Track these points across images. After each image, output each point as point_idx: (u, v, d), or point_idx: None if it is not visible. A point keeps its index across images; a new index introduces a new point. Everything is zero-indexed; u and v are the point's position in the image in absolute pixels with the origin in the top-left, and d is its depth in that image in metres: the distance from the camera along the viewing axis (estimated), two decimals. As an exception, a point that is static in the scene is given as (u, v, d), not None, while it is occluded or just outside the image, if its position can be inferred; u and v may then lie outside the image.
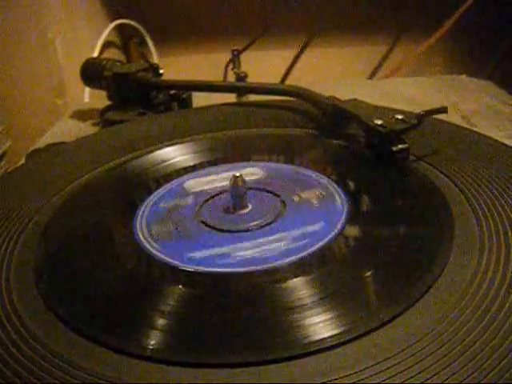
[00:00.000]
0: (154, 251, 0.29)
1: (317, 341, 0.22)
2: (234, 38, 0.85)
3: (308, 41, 0.93)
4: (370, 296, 0.25)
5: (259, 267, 0.27)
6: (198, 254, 0.29)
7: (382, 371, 0.20)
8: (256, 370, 0.21)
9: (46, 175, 0.39)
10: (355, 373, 0.20)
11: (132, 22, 0.90)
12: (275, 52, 0.95)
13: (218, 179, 0.37)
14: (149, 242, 0.30)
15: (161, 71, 0.57)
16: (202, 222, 0.32)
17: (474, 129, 0.44)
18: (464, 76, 0.64)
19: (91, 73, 0.59)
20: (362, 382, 0.20)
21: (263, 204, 0.33)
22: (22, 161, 0.47)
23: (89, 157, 0.41)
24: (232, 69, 0.65)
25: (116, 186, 0.38)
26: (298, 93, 0.48)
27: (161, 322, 0.24)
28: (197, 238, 0.30)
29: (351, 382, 0.20)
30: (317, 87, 0.48)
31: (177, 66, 0.90)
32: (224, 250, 0.29)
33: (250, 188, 0.34)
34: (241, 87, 0.56)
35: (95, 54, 0.81)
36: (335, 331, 0.22)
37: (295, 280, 0.25)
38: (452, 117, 0.48)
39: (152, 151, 0.41)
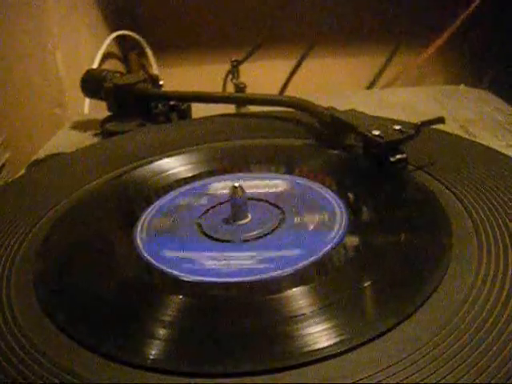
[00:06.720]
0: (154, 261, 0.29)
1: (315, 350, 0.22)
2: (233, 49, 0.86)
3: (307, 51, 0.93)
4: (369, 306, 0.25)
5: (258, 277, 0.27)
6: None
7: (380, 381, 0.20)
8: (254, 379, 0.21)
9: (46, 186, 0.39)
10: (354, 382, 0.20)
11: (132, 34, 0.91)
12: (274, 63, 0.95)
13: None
14: (148, 252, 0.30)
15: (160, 82, 0.57)
16: (201, 232, 0.32)
17: (473, 138, 0.44)
18: (462, 86, 0.65)
19: (91, 84, 0.59)
20: (361, 391, 0.20)
21: (263, 216, 0.33)
22: (22, 171, 0.47)
23: (89, 167, 0.42)
24: (231, 80, 0.66)
25: (116, 197, 0.38)
26: (297, 103, 0.49)
27: (159, 331, 0.24)
28: (190, 245, 0.31)
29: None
30: (315, 98, 0.48)
31: (176, 76, 0.90)
32: (218, 259, 0.29)
33: (252, 199, 0.34)
34: (240, 98, 0.56)
35: (95, 65, 0.81)
36: (334, 341, 0.22)
37: (294, 290, 0.25)
38: (450, 126, 0.48)
39: (152, 162, 0.41)
